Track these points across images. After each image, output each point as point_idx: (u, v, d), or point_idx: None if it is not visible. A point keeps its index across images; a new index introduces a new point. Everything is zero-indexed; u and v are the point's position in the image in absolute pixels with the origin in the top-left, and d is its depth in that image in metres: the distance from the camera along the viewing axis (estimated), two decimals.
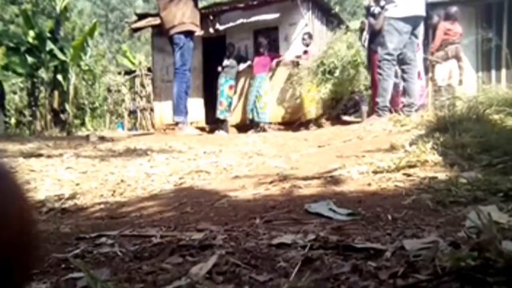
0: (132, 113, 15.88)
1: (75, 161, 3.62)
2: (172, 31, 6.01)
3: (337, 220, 1.35)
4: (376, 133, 3.74)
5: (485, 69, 8.64)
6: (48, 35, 13.83)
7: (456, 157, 2.08)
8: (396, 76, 5.64)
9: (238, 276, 0.91)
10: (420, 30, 5.77)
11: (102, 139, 5.65)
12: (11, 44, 13.24)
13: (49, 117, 13.87)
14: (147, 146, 4.40)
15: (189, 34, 6.10)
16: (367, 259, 0.94)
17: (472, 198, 1.44)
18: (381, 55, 5.33)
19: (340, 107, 8.56)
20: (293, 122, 8.25)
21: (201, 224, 1.44)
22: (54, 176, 3.02)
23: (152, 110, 12.82)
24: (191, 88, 6.63)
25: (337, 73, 7.59)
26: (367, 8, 6.83)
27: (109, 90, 16.21)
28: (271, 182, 2.17)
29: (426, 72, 7.55)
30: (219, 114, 8.71)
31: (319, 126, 7.63)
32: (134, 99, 15.88)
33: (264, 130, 7.91)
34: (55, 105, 14.02)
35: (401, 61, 5.40)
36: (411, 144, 2.43)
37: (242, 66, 8.74)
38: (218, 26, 9.09)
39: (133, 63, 17.57)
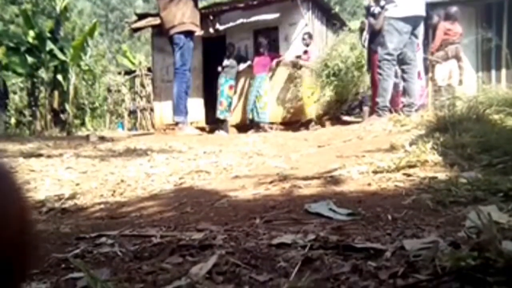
0: (132, 113, 15.88)
1: (75, 161, 3.62)
2: (172, 31, 6.01)
3: (337, 220, 1.35)
4: (376, 133, 3.74)
5: (485, 69, 8.64)
6: (48, 35, 13.83)
7: (456, 157, 2.08)
8: (396, 76, 5.64)
9: (238, 276, 0.91)
10: (420, 30, 5.77)
11: (102, 139, 5.65)
12: (11, 44, 13.24)
13: (49, 117, 13.87)
14: (147, 146, 4.40)
15: (189, 34, 6.10)
16: (367, 259, 0.94)
17: (472, 198, 1.44)
18: (381, 55, 5.33)
19: (345, 109, 8.57)
20: (293, 122, 8.25)
21: (201, 224, 1.44)
22: (54, 176, 3.02)
23: (152, 110, 12.83)
24: (191, 88, 6.63)
25: (341, 75, 7.61)
26: (367, 8, 6.83)
27: (109, 90, 16.21)
28: (271, 182, 2.17)
29: (426, 72, 7.55)
30: (219, 114, 8.71)
31: (322, 125, 7.63)
32: (134, 99, 15.88)
33: (265, 130, 7.91)
34: (55, 105, 14.02)
35: (401, 61, 5.40)
36: (411, 144, 2.42)
37: (242, 66, 8.74)
38: (218, 26, 9.09)
39: (133, 63, 17.57)
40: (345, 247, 1.02)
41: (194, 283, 0.88)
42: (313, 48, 8.14)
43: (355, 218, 1.35)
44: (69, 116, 14.12)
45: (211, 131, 8.43)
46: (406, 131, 3.33)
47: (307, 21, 8.56)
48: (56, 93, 14.04)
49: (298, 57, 8.22)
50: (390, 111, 5.09)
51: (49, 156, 3.83)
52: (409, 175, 1.93)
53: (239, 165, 3.01)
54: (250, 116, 8.47)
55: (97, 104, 15.84)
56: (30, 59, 13.50)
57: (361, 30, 7.43)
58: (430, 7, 6.52)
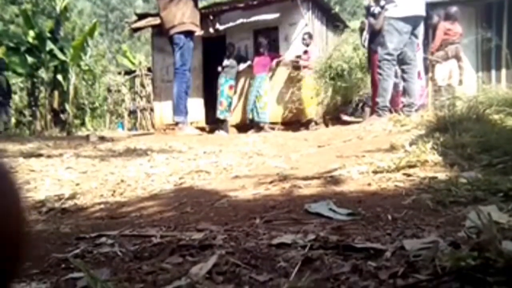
0: (132, 113, 15.88)
1: (75, 161, 3.62)
2: (172, 31, 6.01)
3: (337, 220, 1.35)
4: (376, 133, 3.74)
5: (485, 69, 8.64)
6: (48, 35, 13.83)
7: (456, 157, 2.08)
8: (396, 76, 5.64)
9: (238, 276, 0.91)
10: (420, 30, 5.77)
11: (102, 139, 5.65)
12: (11, 44, 13.25)
13: (49, 117, 13.87)
14: (147, 146, 4.40)
15: (189, 34, 6.10)
16: (367, 259, 0.94)
17: (472, 198, 1.44)
18: (381, 55, 5.33)
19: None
20: (293, 122, 8.25)
21: (201, 224, 1.44)
22: (54, 176, 3.02)
23: (152, 110, 12.83)
24: (191, 88, 6.63)
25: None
26: (367, 8, 6.83)
27: (109, 90, 16.21)
28: (271, 182, 2.17)
29: (426, 72, 7.55)
30: (219, 114, 8.71)
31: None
32: (134, 99, 15.89)
33: (265, 130, 7.91)
34: (55, 105, 14.02)
35: (401, 61, 5.40)
36: (411, 144, 2.42)
37: (242, 66, 8.75)
38: (218, 26, 9.09)
39: (133, 63, 17.57)
40: (345, 247, 1.02)
41: (194, 283, 0.88)
42: (313, 48, 8.15)
43: (355, 218, 1.35)
44: (69, 116, 14.13)
45: (211, 131, 8.43)
46: (406, 131, 3.33)
47: (307, 21, 8.56)
48: (56, 93, 14.05)
49: (298, 57, 8.23)
50: (390, 111, 5.09)
51: (49, 156, 3.83)
52: (409, 175, 1.93)
53: (239, 165, 3.01)
54: (250, 116, 8.47)
55: (97, 104, 15.84)
56: (30, 59, 13.51)
57: (361, 30, 7.43)
58: (430, 7, 6.52)
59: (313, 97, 7.99)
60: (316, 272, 0.89)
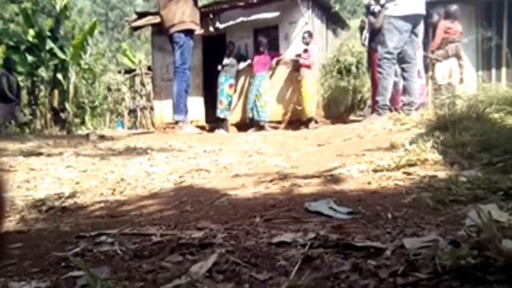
0: (132, 112, 15.88)
1: (75, 159, 3.62)
2: (172, 30, 6.00)
3: (337, 219, 1.35)
4: (376, 132, 3.74)
5: (485, 68, 8.63)
6: (48, 34, 13.81)
7: (456, 155, 2.08)
8: (395, 74, 5.64)
9: (238, 274, 0.91)
10: (420, 28, 5.76)
11: (102, 138, 5.65)
12: (11, 43, 13.23)
13: (49, 115, 13.87)
14: (147, 145, 4.40)
15: (189, 32, 6.09)
16: (367, 257, 0.94)
17: (472, 197, 1.44)
18: (381, 54, 5.33)
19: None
20: (294, 121, 8.24)
21: (201, 222, 1.44)
22: (54, 174, 3.02)
23: (152, 109, 12.83)
24: (191, 86, 6.63)
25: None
26: (367, 7, 6.82)
27: (109, 89, 16.20)
28: (271, 181, 2.17)
29: (426, 70, 7.55)
30: (219, 113, 8.70)
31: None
32: (134, 98, 15.88)
33: (265, 129, 7.91)
34: (55, 104, 14.01)
35: (401, 59, 5.40)
36: (411, 143, 2.42)
37: (242, 65, 8.73)
38: (218, 24, 9.08)
39: (133, 62, 17.56)
40: (345, 245, 1.02)
41: (194, 282, 0.88)
42: (313, 47, 8.13)
43: (355, 217, 1.35)
44: (69, 115, 14.12)
45: (211, 130, 8.42)
46: (406, 129, 3.33)
47: (307, 19, 8.55)
48: (56, 92, 14.04)
49: (298, 55, 8.22)
50: (390, 110, 5.09)
51: (49, 155, 3.83)
52: (409, 174, 1.93)
53: (239, 163, 3.01)
54: (250, 115, 8.46)
55: (97, 103, 15.83)
56: (30, 58, 13.49)
57: (361, 28, 7.43)
58: (430, 5, 6.51)
59: (315, 95, 8.01)
60: (316, 271, 0.89)
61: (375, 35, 6.38)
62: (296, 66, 8.29)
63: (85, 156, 3.76)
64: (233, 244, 1.13)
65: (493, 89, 3.84)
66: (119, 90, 16.07)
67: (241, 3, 8.64)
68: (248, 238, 1.18)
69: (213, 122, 9.06)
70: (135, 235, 1.34)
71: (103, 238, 1.33)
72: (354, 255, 0.96)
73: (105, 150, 4.25)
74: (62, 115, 13.99)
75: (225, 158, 3.25)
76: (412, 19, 5.19)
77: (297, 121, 8.18)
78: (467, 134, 2.32)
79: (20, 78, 14.32)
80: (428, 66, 7.55)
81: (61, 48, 13.71)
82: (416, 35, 5.47)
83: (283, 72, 8.67)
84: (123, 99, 15.98)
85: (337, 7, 10.99)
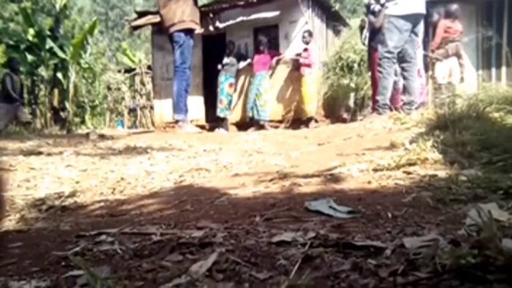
0: (132, 111, 15.88)
1: (75, 159, 3.62)
2: (172, 29, 6.00)
3: (337, 218, 1.35)
4: (376, 131, 3.74)
5: (485, 67, 8.63)
6: (48, 33, 13.80)
7: (456, 155, 2.08)
8: (395, 74, 5.64)
9: (238, 274, 0.91)
10: (420, 28, 5.76)
11: (102, 137, 5.65)
12: (11, 42, 13.22)
13: (49, 115, 13.86)
14: (147, 144, 4.40)
15: (189, 32, 6.09)
16: (367, 257, 0.94)
17: (472, 196, 1.44)
18: (381, 53, 5.33)
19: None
20: (294, 120, 8.25)
21: (201, 222, 1.44)
22: (54, 174, 3.02)
23: (152, 108, 12.83)
24: (191, 86, 6.63)
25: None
26: (367, 6, 6.82)
27: (109, 88, 16.20)
28: (271, 180, 2.17)
29: (426, 70, 7.55)
30: (219, 112, 8.71)
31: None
32: (134, 97, 15.88)
33: (267, 128, 7.91)
34: (55, 103, 14.00)
35: (401, 59, 5.39)
36: (411, 142, 2.42)
37: (242, 64, 8.73)
38: (218, 24, 9.08)
39: (133, 61, 17.55)
40: (345, 245, 1.02)
41: (194, 281, 0.88)
42: (313, 46, 8.13)
43: (355, 216, 1.35)
44: (69, 114, 14.11)
45: (211, 129, 8.43)
46: (406, 129, 3.33)
47: (307, 19, 8.54)
48: (56, 91, 14.02)
49: (298, 55, 8.22)
50: (390, 109, 5.09)
51: (49, 154, 3.83)
52: (409, 173, 1.93)
53: (239, 163, 3.01)
54: (250, 114, 8.47)
55: (97, 102, 15.83)
56: (30, 57, 13.48)
57: (361, 28, 7.43)
58: (430, 5, 6.50)
59: (315, 94, 8.02)
60: (316, 270, 0.89)
61: (375, 34, 6.38)
62: (296, 65, 8.29)
63: (85, 155, 3.76)
64: (233, 243, 1.12)
65: (493, 88, 3.85)
66: (119, 89, 16.07)
67: (241, 2, 8.64)
68: (248, 237, 1.18)
69: (213, 121, 9.06)
70: (135, 234, 1.34)
71: (103, 237, 1.33)
72: (354, 254, 0.96)
73: (105, 149, 4.25)
74: (62, 114, 13.98)
75: (225, 157, 3.25)
76: (412, 18, 5.19)
77: (297, 120, 8.19)
78: (467, 133, 2.32)
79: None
80: (428, 65, 7.55)
81: (61, 47, 13.70)
82: (416, 34, 5.47)
83: (283, 71, 8.68)
84: (123, 98, 15.98)
85: (337, 6, 10.99)
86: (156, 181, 2.65)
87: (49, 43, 13.32)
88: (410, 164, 2.04)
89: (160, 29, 7.82)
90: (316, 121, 8.11)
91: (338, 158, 2.58)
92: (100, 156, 3.71)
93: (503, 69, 8.30)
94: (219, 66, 8.65)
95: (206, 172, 2.80)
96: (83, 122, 15.14)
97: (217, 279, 0.89)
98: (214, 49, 8.96)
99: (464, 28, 7.51)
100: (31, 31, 13.40)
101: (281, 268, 0.93)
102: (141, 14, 10.09)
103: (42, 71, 13.81)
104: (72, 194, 2.48)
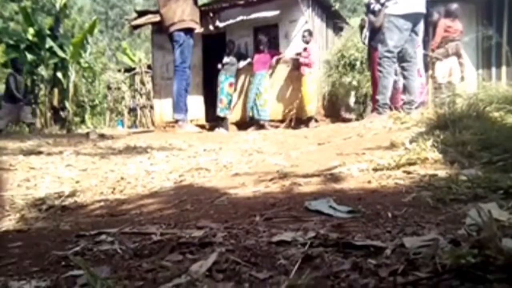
0: (132, 110, 15.88)
1: (75, 158, 3.62)
2: (172, 28, 6.00)
3: (337, 218, 1.35)
4: (376, 131, 3.74)
5: (485, 67, 8.63)
6: (48, 32, 13.80)
7: (456, 154, 2.08)
8: (395, 73, 5.64)
9: (238, 273, 0.91)
10: (421, 27, 5.76)
11: (102, 136, 5.65)
12: (11, 42, 13.22)
13: (49, 114, 13.86)
14: (147, 144, 4.40)
15: (189, 31, 6.09)
16: (367, 256, 0.94)
17: (472, 196, 1.44)
18: (381, 53, 5.33)
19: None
20: (295, 119, 8.24)
21: (201, 221, 1.44)
22: (54, 173, 3.02)
23: (152, 107, 12.83)
24: (191, 85, 6.63)
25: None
26: (367, 5, 6.82)
27: (109, 88, 16.20)
28: (271, 180, 2.17)
29: (426, 69, 7.55)
30: (219, 112, 8.71)
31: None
32: (134, 97, 15.88)
33: (267, 127, 7.91)
34: (55, 102, 14.01)
35: (401, 58, 5.39)
36: (411, 142, 2.42)
37: (242, 63, 8.73)
38: (218, 23, 9.07)
39: (133, 61, 17.55)
40: (345, 244, 1.02)
41: (194, 281, 0.88)
42: (313, 46, 8.13)
43: (355, 216, 1.35)
44: (69, 113, 14.11)
45: (211, 128, 8.43)
46: (406, 128, 3.33)
47: (307, 18, 8.54)
48: (56, 90, 14.03)
49: (298, 54, 8.22)
50: (390, 109, 5.09)
51: (49, 154, 3.83)
52: (409, 173, 1.93)
53: (239, 162, 3.01)
54: (250, 114, 8.47)
55: (97, 101, 15.83)
56: (29, 57, 13.48)
57: (361, 27, 7.42)
58: (430, 4, 6.50)
59: (315, 94, 8.02)
60: (316, 270, 0.89)
61: (375, 33, 6.38)
62: (296, 65, 8.29)
63: (85, 155, 3.76)
64: (233, 243, 1.12)
65: (493, 88, 3.84)
66: (119, 88, 16.07)
67: (241, 2, 8.64)
68: (248, 237, 1.18)
69: (213, 121, 9.06)
70: (135, 234, 1.34)
71: (103, 237, 1.33)
72: (354, 254, 0.96)
73: (105, 149, 4.24)
74: (62, 114, 13.99)
75: (225, 157, 3.25)
76: (413, 18, 5.19)
77: (297, 120, 8.19)
78: (467, 133, 2.31)
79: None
80: (428, 64, 7.55)
81: (61, 47, 13.70)
82: (416, 33, 5.47)
83: (283, 70, 8.68)
84: (123, 98, 15.98)
85: (337, 6, 11.00)
86: (156, 181, 2.65)
87: (49, 43, 13.32)
88: (410, 164, 2.04)
89: (160, 28, 7.82)
90: (316, 120, 8.11)
91: (338, 157, 2.58)
92: (100, 156, 3.71)
93: (503, 68, 8.30)
94: (219, 66, 8.65)
95: (206, 171, 2.80)
96: (83, 121, 15.15)
97: (217, 279, 0.89)
98: (214, 48, 8.96)
99: (464, 28, 7.51)
100: (31, 30, 13.41)
101: (281, 268, 0.93)
102: (141, 14, 10.09)
103: (42, 71, 13.81)
104: (72, 194, 2.48)
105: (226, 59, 8.65)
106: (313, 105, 8.06)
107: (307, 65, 7.97)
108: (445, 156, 2.08)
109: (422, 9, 5.27)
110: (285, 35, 8.73)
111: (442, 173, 1.82)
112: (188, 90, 6.37)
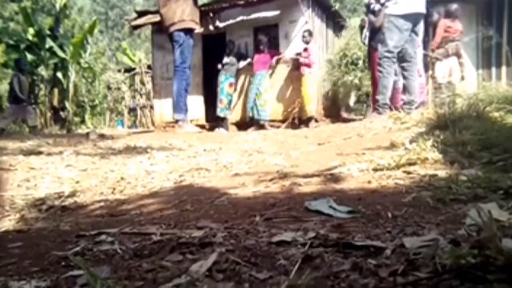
0: (132, 110, 15.88)
1: (75, 158, 3.62)
2: (172, 29, 6.00)
3: (337, 218, 1.35)
4: (376, 131, 3.74)
5: (485, 67, 8.63)
6: (48, 32, 13.81)
7: (456, 154, 2.08)
8: (395, 73, 5.64)
9: (238, 273, 0.91)
10: (421, 27, 5.76)
11: (102, 136, 5.65)
12: (11, 42, 13.24)
13: (49, 114, 13.87)
14: (147, 144, 4.40)
15: (189, 31, 6.09)
16: (367, 256, 0.94)
17: (472, 196, 1.44)
18: (381, 53, 5.33)
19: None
20: (295, 119, 8.24)
21: (201, 221, 1.44)
22: (54, 173, 3.02)
23: (152, 107, 12.82)
24: (191, 85, 6.63)
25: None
26: (367, 5, 6.82)
27: (109, 88, 16.20)
28: (271, 180, 2.17)
29: (426, 69, 7.54)
30: (219, 112, 8.70)
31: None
32: (134, 97, 15.88)
33: (267, 127, 7.91)
34: (55, 102, 14.01)
35: (401, 58, 5.39)
36: (411, 142, 2.42)
37: (242, 63, 8.73)
38: (218, 23, 9.07)
39: (133, 61, 17.55)
40: (345, 244, 1.02)
41: (194, 281, 0.88)
42: (313, 46, 8.13)
43: (355, 216, 1.35)
44: (69, 113, 14.12)
45: (211, 128, 8.43)
46: (406, 128, 3.33)
47: (307, 18, 8.54)
48: (56, 90, 14.04)
49: (298, 54, 8.22)
50: (390, 109, 5.09)
51: (49, 154, 3.83)
52: (409, 173, 1.93)
53: (239, 162, 3.01)
54: (250, 114, 8.46)
55: (97, 101, 15.83)
56: (29, 57, 13.50)
57: (361, 27, 7.42)
58: (430, 4, 6.50)
59: (315, 94, 8.03)
60: (316, 270, 0.89)
61: (375, 34, 6.38)
62: (296, 65, 8.29)
63: (85, 155, 3.76)
64: (233, 243, 1.12)
65: (493, 88, 3.84)
66: (119, 89, 16.07)
67: (241, 2, 8.63)
68: (248, 237, 1.18)
69: (213, 121, 9.06)
70: (135, 234, 1.34)
71: (103, 237, 1.33)
72: (354, 254, 0.96)
73: (105, 149, 4.25)
74: (62, 114, 14.00)
75: (225, 157, 3.25)
76: (413, 18, 5.19)
77: (297, 119, 8.19)
78: (467, 133, 2.31)
79: None
80: (428, 65, 7.55)
81: (61, 47, 13.71)
82: (416, 34, 5.47)
83: (283, 71, 8.67)
84: (123, 98, 15.98)
85: (337, 6, 10.99)
86: (156, 181, 2.65)
87: (49, 43, 13.33)
88: (410, 164, 2.04)
89: (160, 28, 7.82)
90: (316, 120, 8.11)
91: (338, 157, 2.58)
92: (100, 156, 3.71)
93: (503, 68, 8.30)
94: (219, 66, 8.65)
95: (206, 171, 2.80)
96: (83, 121, 15.15)
97: (217, 279, 0.89)
98: (214, 48, 8.96)
99: (464, 28, 7.50)
100: (31, 30, 13.41)
101: (281, 268, 0.93)
102: (141, 14, 10.09)
103: (42, 71, 13.82)
104: (72, 194, 2.48)
105: (226, 59, 8.65)
106: (313, 105, 8.05)
107: (307, 65, 7.97)
108: (445, 156, 2.08)
109: (422, 9, 5.27)
110: (285, 35, 8.73)
111: (442, 173, 1.82)
112: (188, 90, 6.37)
